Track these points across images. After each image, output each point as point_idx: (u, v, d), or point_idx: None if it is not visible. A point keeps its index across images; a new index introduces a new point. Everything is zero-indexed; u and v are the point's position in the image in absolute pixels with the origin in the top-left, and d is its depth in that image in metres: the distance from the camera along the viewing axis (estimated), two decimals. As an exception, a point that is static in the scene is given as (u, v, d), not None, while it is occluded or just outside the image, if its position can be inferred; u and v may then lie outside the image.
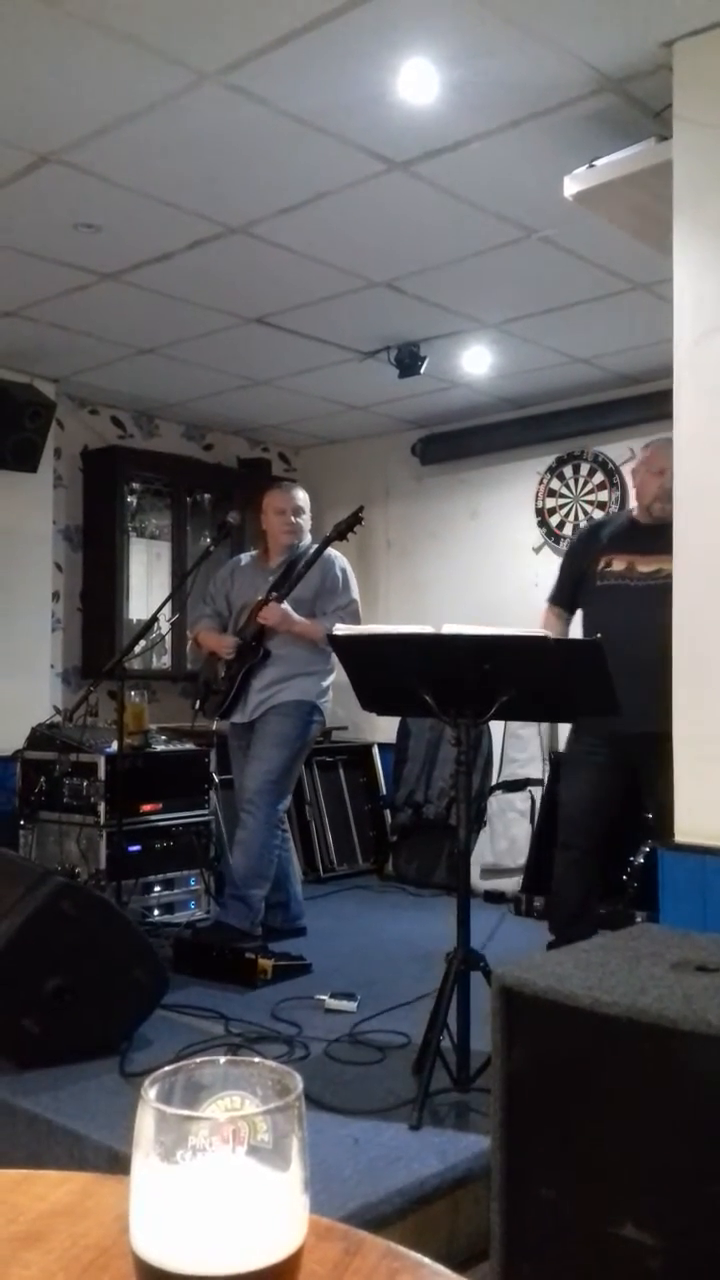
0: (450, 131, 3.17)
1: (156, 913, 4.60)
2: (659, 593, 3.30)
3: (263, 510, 4.55)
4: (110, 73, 2.87)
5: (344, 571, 4.41)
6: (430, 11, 2.61)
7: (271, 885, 4.30)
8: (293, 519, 4.44)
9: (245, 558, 4.66)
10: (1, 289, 4.43)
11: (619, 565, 3.71)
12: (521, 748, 5.69)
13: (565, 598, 3.96)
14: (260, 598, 4.32)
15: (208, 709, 4.48)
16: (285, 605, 4.20)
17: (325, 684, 4.34)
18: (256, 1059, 0.60)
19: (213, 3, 2.58)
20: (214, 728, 4.51)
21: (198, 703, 4.58)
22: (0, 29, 2.69)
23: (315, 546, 4.37)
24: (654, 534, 3.58)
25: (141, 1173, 0.56)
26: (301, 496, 4.50)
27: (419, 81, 2.89)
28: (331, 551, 4.39)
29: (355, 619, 4.32)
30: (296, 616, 4.21)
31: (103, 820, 4.46)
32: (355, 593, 4.44)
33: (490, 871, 5.40)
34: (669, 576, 3.11)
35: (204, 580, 6.07)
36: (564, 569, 4.02)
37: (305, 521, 4.49)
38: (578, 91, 2.95)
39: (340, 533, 4.21)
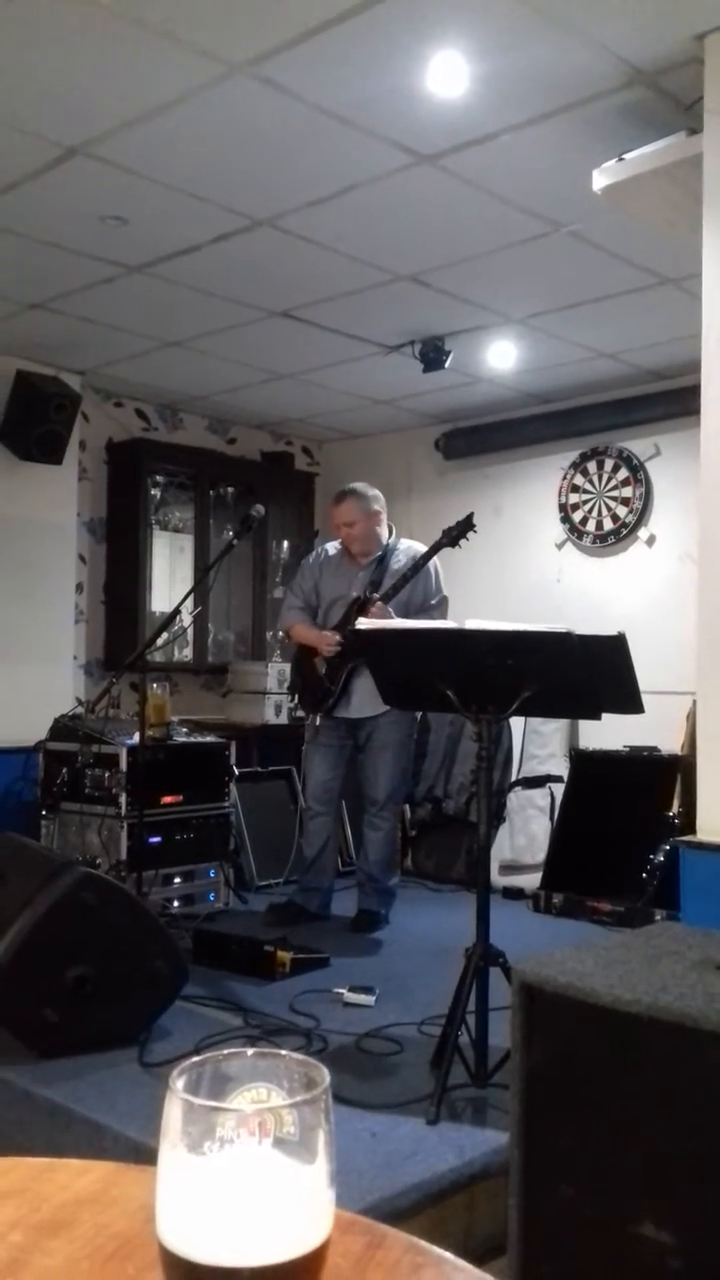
0: (479, 124, 3.15)
1: (176, 904, 4.62)
2: None
3: None
4: (140, 65, 2.88)
5: (436, 570, 4.46)
6: (461, 4, 2.59)
7: (318, 872, 4.54)
8: (351, 530, 4.46)
9: (331, 548, 4.67)
10: (29, 281, 4.45)
11: None
12: (542, 744, 5.67)
13: None
14: (356, 594, 4.39)
15: (307, 703, 4.53)
16: (389, 608, 4.23)
17: None
18: (284, 1051, 0.60)
19: (242, -5, 2.57)
20: (312, 720, 4.55)
21: (294, 697, 4.68)
22: (30, 22, 2.69)
23: (404, 544, 4.49)
24: None
25: (168, 1163, 0.56)
26: (351, 508, 4.45)
27: (448, 74, 2.88)
28: (411, 546, 4.44)
29: (446, 616, 4.41)
30: (399, 619, 4.25)
31: (124, 811, 4.48)
32: (445, 589, 4.51)
33: (509, 868, 5.39)
34: None
35: (227, 573, 6.11)
36: None
37: (371, 522, 4.47)
38: (608, 84, 2.93)
39: (452, 539, 4.18)
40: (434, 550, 4.25)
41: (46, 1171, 0.88)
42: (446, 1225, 2.25)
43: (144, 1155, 2.39)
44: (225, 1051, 0.60)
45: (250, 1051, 0.60)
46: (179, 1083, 0.57)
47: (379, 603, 4.23)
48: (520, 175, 3.45)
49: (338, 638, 4.35)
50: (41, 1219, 0.79)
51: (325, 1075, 0.58)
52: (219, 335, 5.09)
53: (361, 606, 4.29)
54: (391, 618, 4.21)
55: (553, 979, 1.74)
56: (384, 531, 4.53)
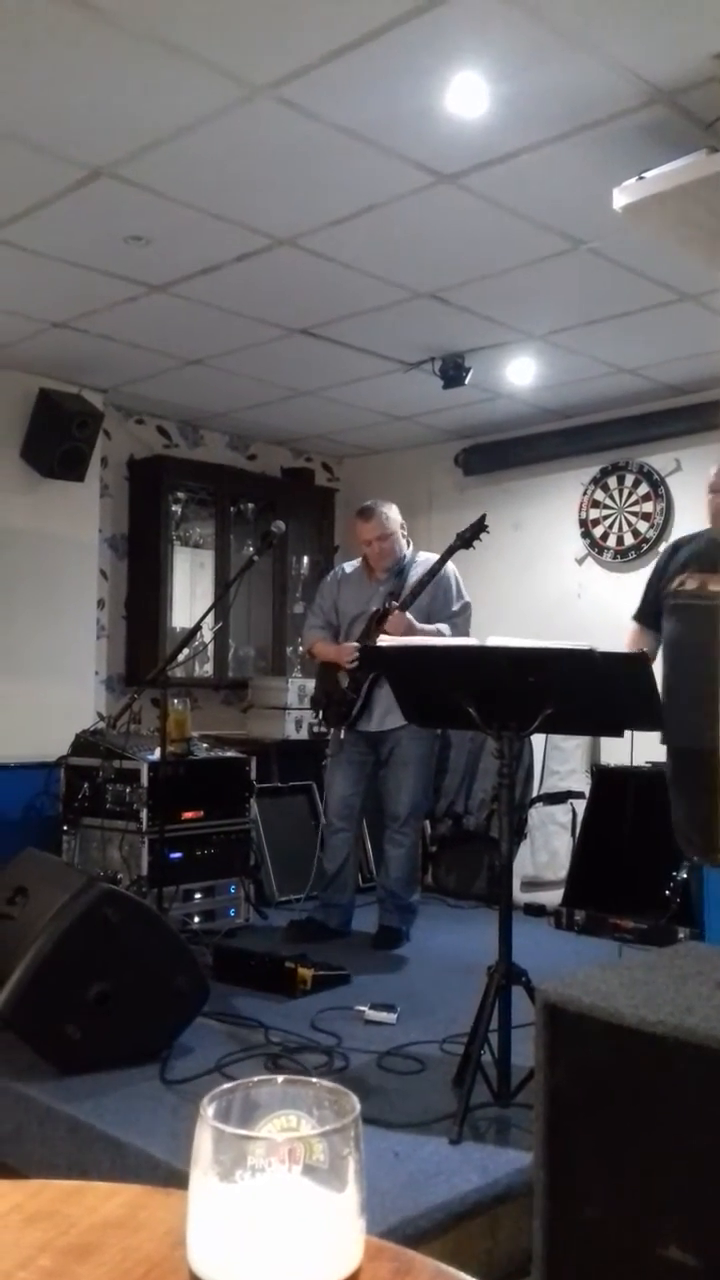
0: (499, 144, 3.17)
1: (196, 920, 4.62)
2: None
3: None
4: (163, 87, 2.91)
5: (455, 577, 4.49)
6: (481, 25, 2.61)
7: (338, 888, 4.54)
8: (378, 545, 4.48)
9: (348, 567, 4.72)
10: (52, 300, 4.49)
11: (691, 584, 3.69)
12: (563, 760, 5.65)
13: (649, 615, 3.96)
14: (376, 608, 4.40)
15: (330, 718, 4.54)
16: (409, 615, 4.24)
17: None
18: (314, 1079, 0.60)
19: (266, 18, 2.60)
20: (335, 734, 4.56)
21: (318, 712, 4.69)
22: (56, 44, 2.73)
23: (423, 556, 4.50)
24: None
25: (200, 1190, 0.56)
26: (379, 524, 4.48)
27: (469, 95, 2.90)
28: (429, 558, 4.47)
29: (469, 623, 4.43)
30: (421, 626, 4.26)
31: (145, 827, 4.49)
32: (467, 595, 4.53)
33: (530, 884, 5.37)
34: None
35: (247, 589, 6.12)
36: (648, 586, 4.03)
37: (395, 538, 4.51)
38: (628, 103, 2.94)
39: (465, 541, 4.23)
40: (449, 553, 4.28)
41: (74, 1194, 0.88)
42: (470, 1246, 2.24)
43: (165, 1173, 2.39)
44: (256, 1079, 0.60)
45: (280, 1079, 0.60)
46: (209, 1110, 0.57)
47: (398, 610, 4.24)
48: (540, 193, 3.46)
49: (355, 647, 4.36)
50: (70, 1242, 0.79)
51: (355, 1104, 0.58)
52: (240, 353, 5.12)
53: (382, 618, 4.30)
54: (412, 624, 4.22)
55: (577, 999, 1.74)
56: (404, 546, 4.55)
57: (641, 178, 2.91)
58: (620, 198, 2.99)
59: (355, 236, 3.80)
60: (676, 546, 4.05)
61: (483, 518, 4.23)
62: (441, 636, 4.26)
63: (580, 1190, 1.73)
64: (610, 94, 2.90)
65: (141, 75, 2.85)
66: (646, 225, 3.13)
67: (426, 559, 4.50)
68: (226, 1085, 0.59)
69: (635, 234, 3.43)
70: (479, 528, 4.21)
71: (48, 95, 2.96)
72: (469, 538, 4.22)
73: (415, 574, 4.45)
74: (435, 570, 4.31)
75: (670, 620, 3.76)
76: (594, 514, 5.97)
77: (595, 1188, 1.71)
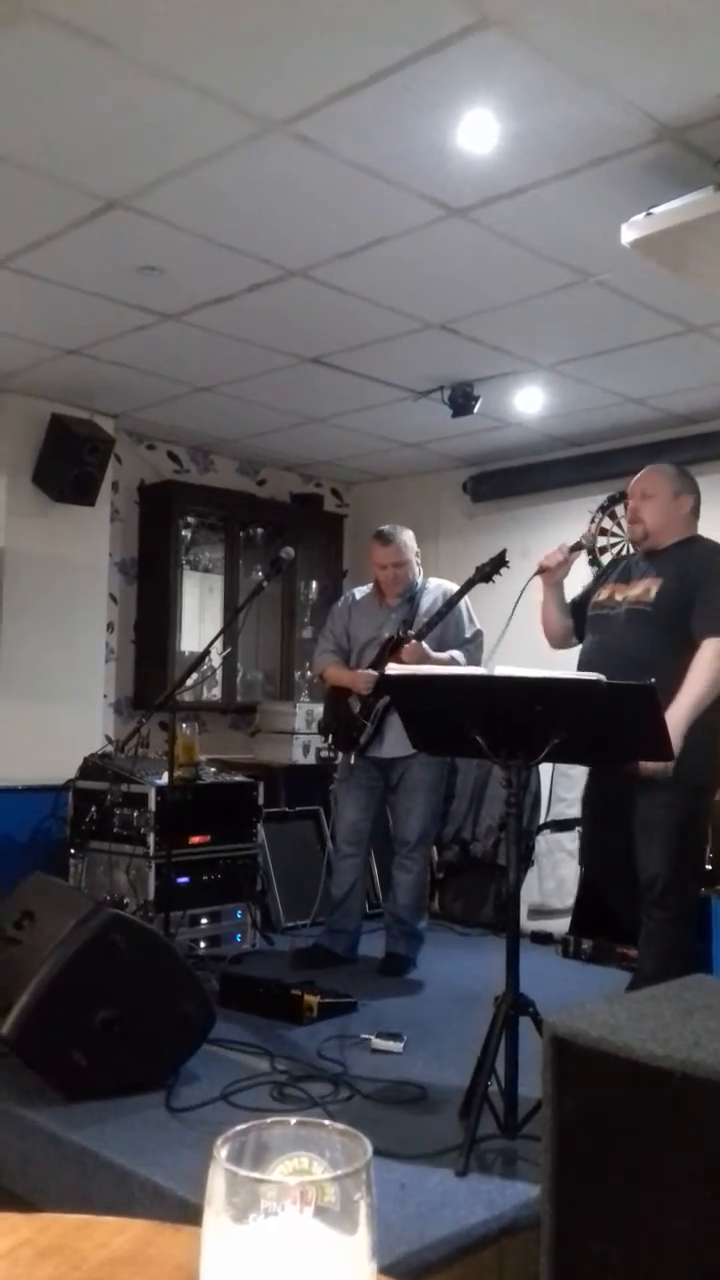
0: (509, 179, 3.21)
1: (203, 945, 4.61)
2: (630, 619, 3.32)
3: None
4: (178, 121, 2.95)
5: (466, 605, 4.49)
6: (491, 63, 2.65)
7: (344, 914, 4.53)
8: (393, 571, 4.49)
9: (359, 593, 4.72)
10: (66, 328, 4.54)
11: (604, 594, 3.65)
12: (571, 786, 5.64)
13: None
14: (389, 634, 4.40)
15: (340, 743, 4.53)
16: (424, 644, 4.24)
17: None
18: (327, 1121, 0.61)
19: (279, 55, 2.64)
20: (345, 760, 4.55)
21: (328, 737, 4.67)
22: (72, 78, 2.78)
23: (434, 582, 4.53)
24: (636, 563, 3.59)
25: (213, 1232, 0.57)
26: (398, 549, 4.48)
27: (479, 131, 2.94)
28: (441, 584, 4.49)
29: (481, 649, 4.42)
30: (435, 655, 4.27)
31: (152, 851, 4.49)
32: (478, 623, 4.53)
33: (538, 912, 5.35)
34: (638, 602, 3.22)
35: (256, 614, 6.15)
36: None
37: (410, 566, 4.52)
38: (636, 140, 2.98)
39: (485, 576, 4.22)
40: (467, 587, 4.28)
41: (84, 1229, 0.89)
42: (476, 1279, 2.23)
43: (170, 1202, 2.38)
44: (269, 1120, 0.61)
45: (293, 1120, 0.61)
46: (222, 1152, 0.58)
47: (414, 639, 4.25)
48: (549, 227, 3.50)
49: (373, 675, 4.35)
50: (80, 1278, 0.80)
51: (368, 1147, 0.59)
52: (250, 381, 5.16)
53: (396, 645, 4.30)
54: (427, 653, 4.22)
55: (585, 1032, 1.74)
56: (416, 573, 4.56)
57: (650, 213, 2.95)
58: (629, 233, 3.02)
59: (366, 268, 3.84)
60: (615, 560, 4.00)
61: (503, 552, 4.19)
62: (456, 664, 4.26)
63: (587, 1224, 1.72)
64: (619, 131, 2.93)
65: (157, 110, 2.90)
66: (655, 259, 3.16)
67: (438, 585, 4.51)
68: (240, 1127, 0.60)
69: (643, 266, 3.46)
70: (499, 562, 4.18)
71: (64, 128, 3.01)
72: (489, 572, 4.19)
73: (426, 600, 4.47)
74: (453, 603, 4.31)
75: (587, 631, 3.70)
76: (602, 542, 5.98)
77: (602, 1223, 1.71)
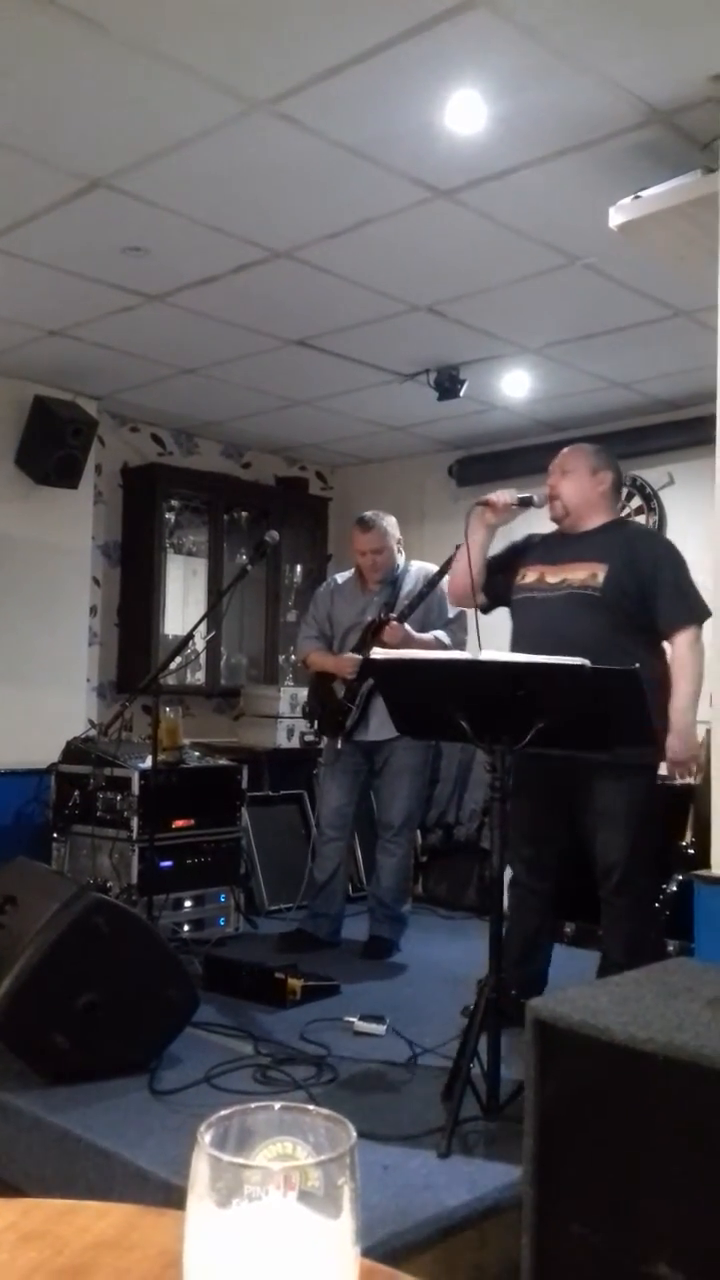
0: (496, 161, 3.19)
1: (186, 929, 4.61)
2: (573, 603, 3.29)
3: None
4: (162, 101, 2.92)
5: (445, 586, 4.46)
6: (479, 44, 2.63)
7: (327, 898, 4.54)
8: (373, 557, 4.49)
9: (341, 578, 4.73)
10: (49, 309, 4.50)
11: (530, 576, 3.55)
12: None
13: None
14: (370, 618, 4.41)
15: (327, 728, 4.53)
16: (407, 626, 4.24)
17: None
18: (311, 1107, 0.61)
19: (265, 34, 2.62)
20: (330, 744, 4.55)
21: (313, 723, 4.68)
22: (57, 58, 2.74)
23: (415, 565, 4.53)
24: (560, 544, 3.54)
25: (197, 1217, 0.57)
26: (379, 535, 4.48)
27: (466, 112, 2.92)
28: (422, 568, 4.48)
29: (464, 629, 4.40)
30: (418, 636, 4.26)
31: (135, 835, 4.49)
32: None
33: (520, 895, 5.37)
34: (585, 586, 3.23)
35: (240, 597, 6.13)
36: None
37: (391, 551, 4.52)
38: (624, 123, 2.97)
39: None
40: (447, 567, 4.27)
41: (67, 1214, 0.88)
42: (458, 1260, 2.24)
43: (153, 1185, 2.39)
44: (253, 1105, 0.61)
45: (278, 1105, 0.61)
46: (207, 1137, 0.58)
47: (394, 622, 4.25)
48: (536, 210, 3.49)
49: (356, 659, 4.36)
50: (63, 1263, 0.80)
51: (352, 1132, 0.59)
52: (235, 363, 5.13)
53: (378, 628, 4.30)
54: (409, 635, 4.22)
55: (566, 1016, 1.74)
56: (398, 558, 4.56)
57: (638, 197, 2.94)
58: (616, 216, 3.01)
59: (352, 250, 3.82)
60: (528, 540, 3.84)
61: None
62: (440, 645, 4.26)
63: (569, 1206, 1.73)
64: (607, 113, 2.92)
65: (141, 89, 2.87)
66: (642, 243, 3.15)
67: (419, 568, 4.51)
68: (224, 1112, 0.60)
69: (630, 250, 3.46)
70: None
71: (47, 107, 2.98)
72: None
73: (408, 584, 4.46)
74: (434, 583, 4.31)
75: (515, 613, 3.60)
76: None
77: (584, 1203, 1.72)
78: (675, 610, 3.31)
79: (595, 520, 3.51)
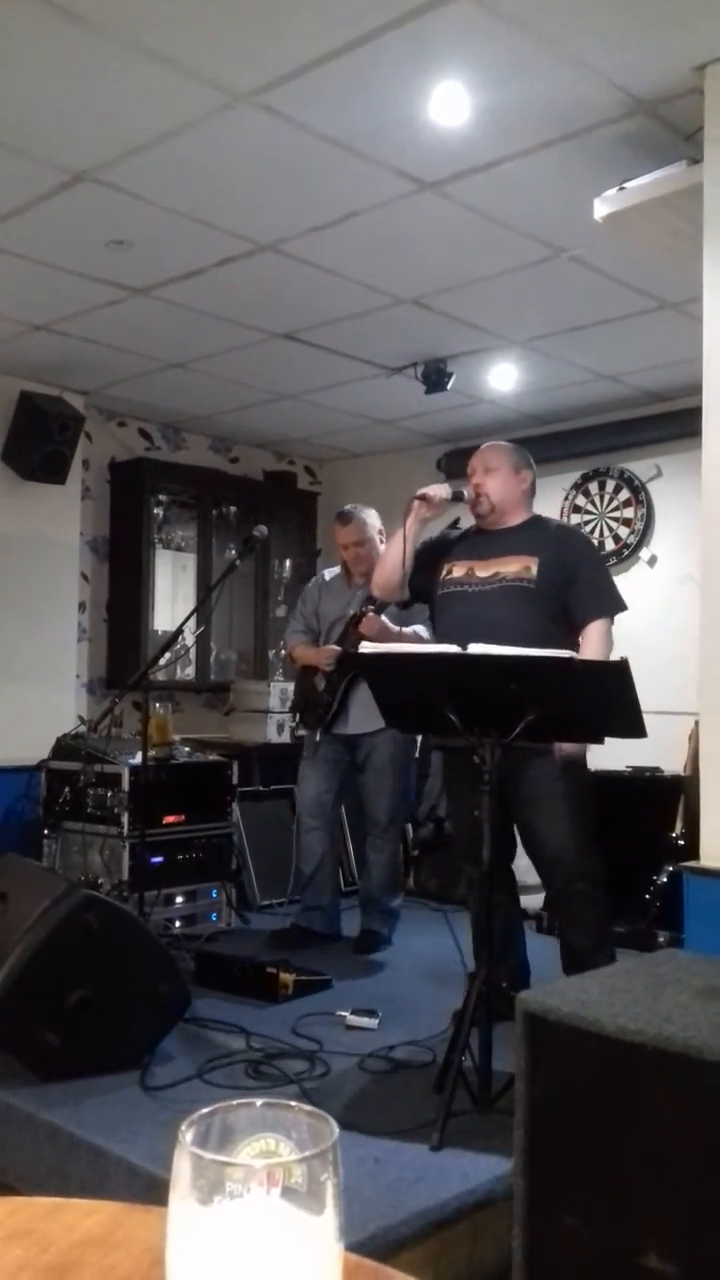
0: (481, 153, 3.18)
1: (178, 924, 4.61)
2: (509, 595, 3.33)
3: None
4: (146, 93, 2.91)
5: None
6: (463, 36, 2.62)
7: (316, 889, 4.54)
8: (355, 550, 4.50)
9: (329, 574, 4.75)
10: (34, 303, 4.48)
11: (458, 571, 3.55)
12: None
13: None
14: (353, 611, 4.41)
15: (309, 721, 4.55)
16: (383, 617, 4.25)
17: None
18: (293, 1103, 0.60)
19: (248, 26, 2.60)
20: (310, 737, 4.55)
21: (297, 716, 4.69)
22: (39, 50, 2.73)
23: None
24: (481, 540, 3.57)
25: (179, 1215, 0.56)
26: (359, 528, 4.49)
27: (451, 104, 2.91)
28: None
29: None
30: (395, 628, 4.26)
31: (126, 831, 4.48)
32: None
33: (512, 888, 5.37)
34: (519, 579, 3.28)
35: (229, 592, 6.12)
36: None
37: (373, 544, 4.51)
38: (609, 114, 2.96)
39: None
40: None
41: (54, 1212, 0.88)
42: (450, 1253, 2.24)
43: (145, 1181, 2.39)
44: (235, 1102, 0.61)
45: (259, 1102, 0.61)
46: (188, 1135, 0.57)
47: (371, 612, 4.25)
48: (522, 202, 3.48)
49: (335, 651, 4.38)
50: (49, 1261, 0.79)
51: (334, 1128, 0.58)
52: (222, 357, 5.12)
53: (357, 621, 4.31)
54: (386, 626, 4.21)
55: (557, 1008, 1.75)
56: (380, 550, 4.55)
57: (623, 188, 2.93)
58: (601, 207, 3.01)
59: (338, 242, 3.80)
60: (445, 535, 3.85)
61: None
62: (419, 639, 4.26)
63: (560, 1198, 1.74)
64: (591, 105, 2.91)
65: (124, 81, 2.85)
66: (627, 235, 3.15)
67: None
68: (205, 1110, 0.60)
69: (616, 242, 3.45)
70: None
71: (30, 100, 2.96)
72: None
73: None
74: None
75: (442, 606, 3.58)
76: (575, 519, 5.99)
77: (575, 1195, 1.72)
78: (593, 602, 3.42)
79: (518, 517, 3.57)
